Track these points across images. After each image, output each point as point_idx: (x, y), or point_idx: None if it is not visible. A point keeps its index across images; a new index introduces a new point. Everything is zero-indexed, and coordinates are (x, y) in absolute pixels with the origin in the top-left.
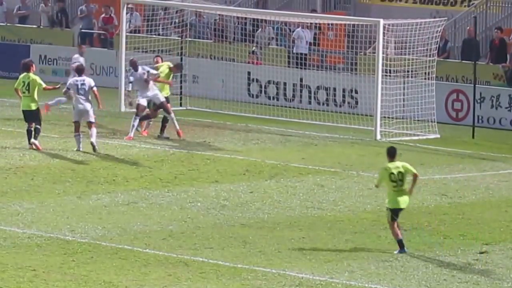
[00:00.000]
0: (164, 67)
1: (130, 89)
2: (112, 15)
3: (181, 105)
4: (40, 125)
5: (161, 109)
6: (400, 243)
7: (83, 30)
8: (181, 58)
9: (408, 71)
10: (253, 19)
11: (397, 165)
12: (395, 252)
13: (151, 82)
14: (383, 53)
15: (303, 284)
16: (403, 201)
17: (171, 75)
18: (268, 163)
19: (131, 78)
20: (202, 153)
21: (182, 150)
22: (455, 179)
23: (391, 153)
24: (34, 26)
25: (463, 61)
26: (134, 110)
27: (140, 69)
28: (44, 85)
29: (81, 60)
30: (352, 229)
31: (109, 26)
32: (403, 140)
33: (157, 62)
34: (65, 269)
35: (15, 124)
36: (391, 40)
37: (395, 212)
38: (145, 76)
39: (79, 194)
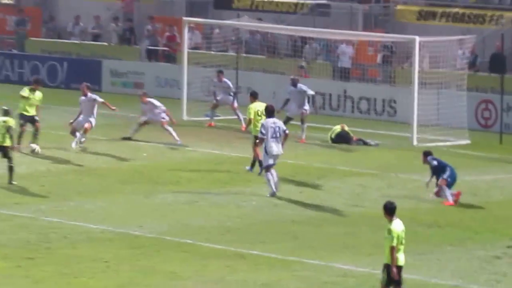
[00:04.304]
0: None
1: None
2: (174, 33)
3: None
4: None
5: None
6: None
7: (149, 47)
8: (236, 72)
9: (441, 83)
10: (302, 37)
11: (260, 104)
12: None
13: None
14: (418, 67)
15: (347, 275)
16: None
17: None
18: (315, 166)
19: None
20: None
21: (238, 154)
22: (484, 180)
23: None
24: (105, 43)
25: (492, 74)
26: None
27: (298, 86)
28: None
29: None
30: None
31: (172, 43)
32: (437, 145)
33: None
34: (134, 260)
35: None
36: (426, 55)
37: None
38: (308, 92)
39: (146, 194)
